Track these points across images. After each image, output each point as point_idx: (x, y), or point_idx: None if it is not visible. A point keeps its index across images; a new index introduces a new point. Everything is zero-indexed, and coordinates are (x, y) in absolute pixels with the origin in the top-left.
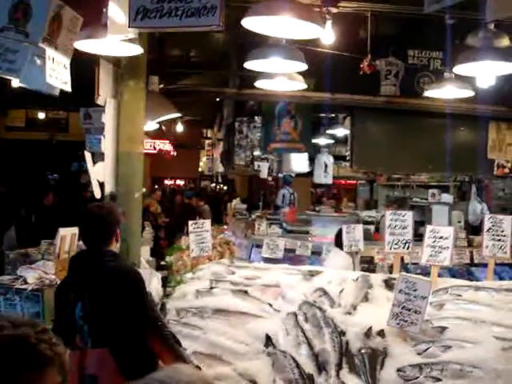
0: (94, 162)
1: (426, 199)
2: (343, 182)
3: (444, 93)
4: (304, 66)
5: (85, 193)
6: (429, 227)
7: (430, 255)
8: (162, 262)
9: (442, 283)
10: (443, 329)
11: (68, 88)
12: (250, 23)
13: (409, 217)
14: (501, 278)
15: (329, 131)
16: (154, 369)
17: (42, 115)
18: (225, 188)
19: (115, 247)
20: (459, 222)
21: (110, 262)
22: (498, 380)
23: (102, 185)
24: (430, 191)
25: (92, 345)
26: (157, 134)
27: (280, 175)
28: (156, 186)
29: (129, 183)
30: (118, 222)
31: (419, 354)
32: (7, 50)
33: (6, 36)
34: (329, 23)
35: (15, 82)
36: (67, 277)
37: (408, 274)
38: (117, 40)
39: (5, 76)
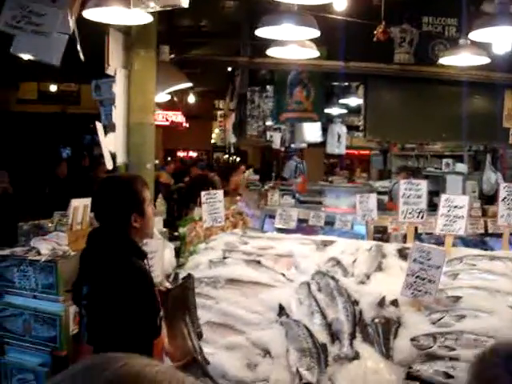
0: (106, 133)
1: (440, 169)
2: (356, 152)
3: (459, 60)
4: (317, 33)
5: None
6: (443, 196)
7: (445, 224)
8: (175, 233)
9: (457, 252)
10: (457, 298)
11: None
12: None
13: (423, 186)
14: None
15: (341, 101)
16: None
17: (53, 88)
18: (237, 159)
19: (136, 232)
20: (473, 191)
21: (117, 255)
22: None
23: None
24: (444, 161)
25: (87, 340)
26: (169, 106)
27: (292, 145)
28: (169, 158)
29: (140, 154)
30: (134, 200)
31: (433, 323)
32: (31, 13)
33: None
34: None
35: (26, 55)
36: (86, 247)
37: (422, 244)
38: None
39: (35, 37)
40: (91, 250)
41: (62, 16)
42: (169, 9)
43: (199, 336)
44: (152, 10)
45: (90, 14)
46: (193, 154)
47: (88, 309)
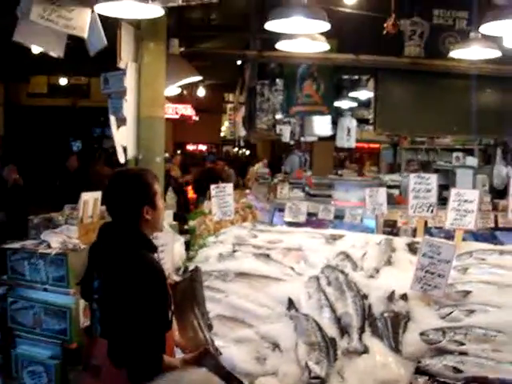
0: (118, 127)
1: (450, 163)
2: (366, 145)
3: (470, 53)
4: (327, 26)
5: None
6: (453, 190)
7: (455, 219)
8: (185, 227)
9: (466, 247)
10: (467, 293)
11: None
12: None
13: (433, 180)
14: None
15: (351, 94)
16: (159, 371)
17: (63, 81)
18: (247, 152)
19: (147, 225)
20: (484, 185)
21: (128, 249)
22: None
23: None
24: (455, 154)
25: (100, 333)
26: (178, 99)
27: (302, 139)
28: (178, 152)
29: (150, 148)
30: (146, 193)
31: (442, 317)
32: (60, 6)
33: None
34: None
35: (36, 49)
36: (96, 241)
37: (432, 238)
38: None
39: (70, 32)
40: (101, 243)
41: (90, 13)
42: (200, 3)
43: (209, 328)
44: (184, 4)
45: (102, 8)
46: (202, 148)
47: (100, 303)
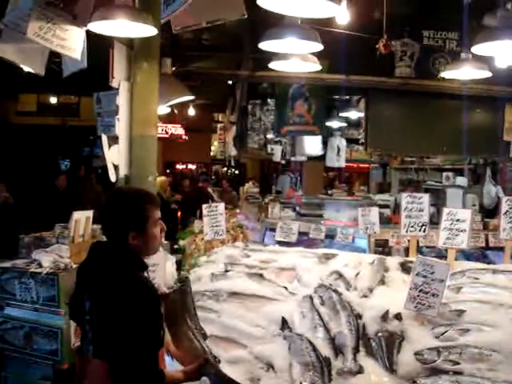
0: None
1: (440, 182)
2: (355, 165)
3: (461, 74)
4: (320, 47)
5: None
6: (446, 210)
7: (447, 238)
8: (175, 246)
9: (459, 266)
10: (461, 312)
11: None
12: (266, 2)
13: (425, 199)
14: None
15: (342, 114)
16: None
17: (53, 100)
18: (236, 172)
19: (136, 248)
20: (474, 205)
21: (118, 268)
22: None
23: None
24: (445, 174)
25: (93, 354)
26: (168, 118)
27: (293, 158)
28: (168, 171)
29: (142, 166)
30: (135, 218)
31: (437, 337)
32: (56, 25)
33: (53, 12)
34: (344, 3)
35: (26, 67)
36: (86, 261)
37: (426, 257)
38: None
39: (64, 52)
40: (91, 263)
41: (83, 35)
42: (220, 23)
43: (204, 337)
44: (209, 25)
45: (95, 26)
46: (192, 167)
47: (92, 324)
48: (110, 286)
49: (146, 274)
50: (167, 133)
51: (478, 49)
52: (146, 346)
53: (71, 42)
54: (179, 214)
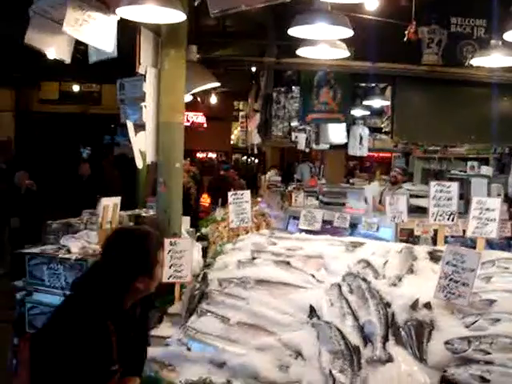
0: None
1: (465, 172)
2: (376, 154)
3: (491, 61)
4: (350, 32)
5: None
6: (475, 199)
7: (476, 227)
8: (197, 234)
9: (489, 255)
10: (491, 302)
11: None
12: None
13: (454, 188)
14: None
15: (365, 102)
16: None
17: (75, 88)
18: (256, 161)
19: (135, 291)
20: (499, 194)
21: (91, 311)
22: None
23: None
24: (469, 163)
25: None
26: (190, 107)
27: (315, 146)
28: (188, 159)
29: (169, 153)
30: (144, 263)
31: (467, 326)
32: (90, 17)
33: (89, 2)
34: None
35: (50, 55)
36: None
37: (456, 246)
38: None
39: (94, 45)
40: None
41: (115, 26)
42: (270, 4)
43: None
44: (249, 8)
45: (124, 12)
46: (212, 155)
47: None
48: (72, 315)
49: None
50: (189, 121)
51: (510, 35)
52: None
53: (104, 35)
54: (202, 199)
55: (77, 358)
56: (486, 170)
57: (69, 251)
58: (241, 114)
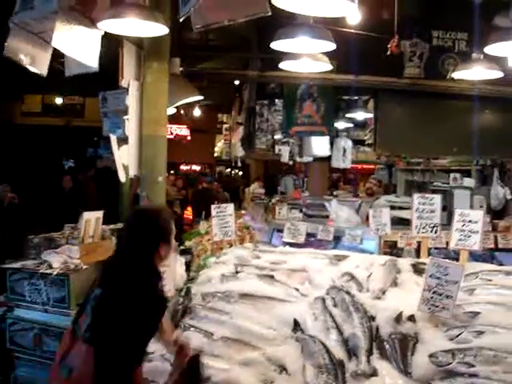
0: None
1: (447, 183)
2: (359, 166)
3: (472, 74)
4: (333, 46)
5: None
6: (458, 211)
7: (459, 239)
8: (181, 247)
9: (472, 268)
10: (475, 314)
11: None
12: (280, 0)
13: (437, 200)
14: None
15: (348, 115)
16: None
17: (58, 101)
18: (240, 173)
19: (159, 258)
20: (481, 206)
21: (138, 271)
22: None
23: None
24: (452, 175)
25: (88, 339)
26: (173, 119)
27: (298, 159)
28: (172, 172)
29: (152, 167)
30: (164, 232)
31: (451, 339)
32: (76, 31)
33: (75, 17)
34: (356, 2)
35: (31, 68)
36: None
37: (439, 259)
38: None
39: (79, 59)
40: (116, 259)
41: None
42: (252, 18)
43: None
44: (232, 23)
45: (106, 25)
46: (196, 168)
47: (95, 311)
48: (126, 282)
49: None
50: (172, 133)
51: (491, 49)
52: (135, 344)
53: (89, 49)
54: (186, 213)
55: (145, 311)
56: (469, 181)
57: (50, 266)
58: (224, 126)
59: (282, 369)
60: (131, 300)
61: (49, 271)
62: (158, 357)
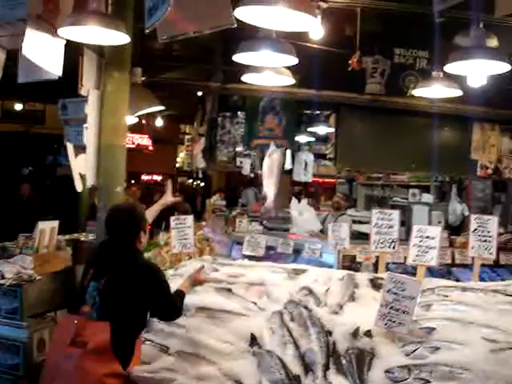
0: (76, 154)
1: (406, 199)
2: (320, 180)
3: (432, 92)
4: (295, 60)
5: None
6: (416, 227)
7: (417, 255)
8: None
9: (429, 283)
10: (431, 330)
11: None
12: (243, 14)
13: (395, 216)
14: (481, 279)
15: (310, 129)
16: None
17: (18, 106)
18: (201, 184)
19: (139, 244)
20: (439, 222)
21: (139, 259)
22: (487, 382)
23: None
24: (411, 191)
25: (100, 317)
26: (135, 129)
27: (260, 172)
28: (133, 181)
29: (111, 177)
30: (141, 223)
31: (407, 355)
32: (42, 39)
33: (42, 26)
34: (318, 18)
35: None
36: (94, 251)
37: (396, 274)
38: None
39: (44, 67)
40: (106, 251)
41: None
42: (218, 30)
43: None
44: (198, 34)
45: (66, 32)
46: (157, 178)
47: (101, 294)
48: (129, 264)
49: None
50: (134, 143)
51: (451, 68)
52: (145, 315)
53: (53, 57)
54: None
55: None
56: (427, 197)
57: (3, 276)
58: (187, 137)
59: None
60: (135, 275)
61: (1, 281)
62: None
